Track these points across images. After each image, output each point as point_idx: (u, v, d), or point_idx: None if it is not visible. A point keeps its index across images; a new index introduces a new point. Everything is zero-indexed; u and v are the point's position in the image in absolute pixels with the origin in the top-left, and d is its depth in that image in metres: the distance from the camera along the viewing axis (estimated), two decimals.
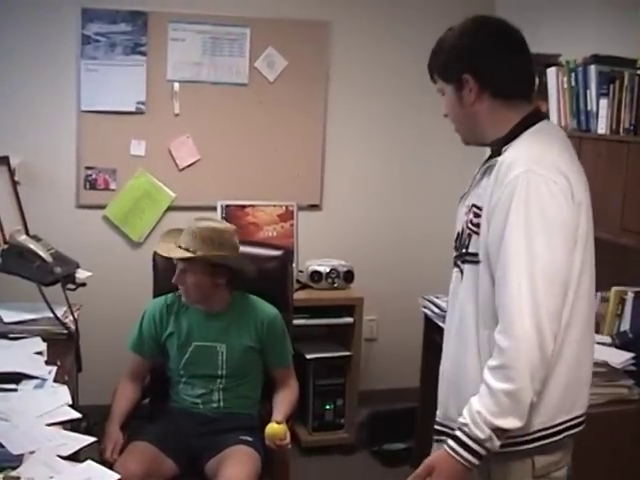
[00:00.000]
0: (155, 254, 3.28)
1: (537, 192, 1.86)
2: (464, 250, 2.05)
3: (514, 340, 1.83)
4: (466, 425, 1.87)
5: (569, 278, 1.91)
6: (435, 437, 2.16)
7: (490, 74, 2.02)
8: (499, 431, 1.85)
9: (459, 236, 2.11)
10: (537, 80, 3.29)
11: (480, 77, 2.01)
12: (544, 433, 1.97)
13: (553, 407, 1.96)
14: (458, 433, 1.89)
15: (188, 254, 2.97)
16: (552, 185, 1.88)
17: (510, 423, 1.85)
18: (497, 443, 1.86)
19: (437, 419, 2.16)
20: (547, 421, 1.97)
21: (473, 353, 1.99)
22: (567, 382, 1.97)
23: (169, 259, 3.07)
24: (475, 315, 2.00)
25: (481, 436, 1.85)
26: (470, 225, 2.03)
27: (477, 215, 2.00)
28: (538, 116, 2.08)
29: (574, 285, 1.94)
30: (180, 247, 2.99)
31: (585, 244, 1.97)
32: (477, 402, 1.87)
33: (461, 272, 2.07)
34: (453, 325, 2.10)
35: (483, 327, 1.97)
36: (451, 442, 1.90)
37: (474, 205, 2.03)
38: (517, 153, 1.94)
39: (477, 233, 1.99)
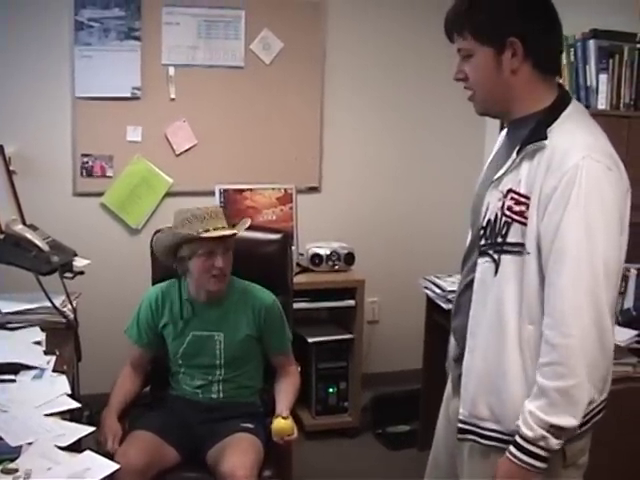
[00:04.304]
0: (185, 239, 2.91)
1: (597, 182, 1.78)
2: (500, 239, 1.90)
3: (569, 337, 1.76)
4: (518, 426, 1.82)
5: (620, 267, 1.85)
6: (459, 436, 2.04)
7: (537, 42, 1.88)
8: (555, 429, 1.79)
9: (490, 223, 1.94)
10: None
11: (528, 43, 1.87)
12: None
13: None
14: (516, 437, 1.84)
15: (233, 230, 2.96)
16: (609, 173, 1.80)
17: (565, 421, 1.78)
18: (554, 441, 1.80)
19: (461, 417, 2.02)
20: None
21: (514, 349, 1.88)
22: None
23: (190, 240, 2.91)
24: (517, 309, 1.87)
25: (530, 435, 1.80)
26: (508, 212, 1.88)
27: (519, 202, 1.86)
28: (569, 95, 1.99)
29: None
30: (217, 228, 2.91)
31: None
32: (529, 402, 1.82)
33: (494, 262, 1.91)
34: (484, 319, 1.95)
35: (527, 322, 1.86)
36: (511, 447, 1.85)
37: (512, 190, 1.88)
38: (569, 138, 1.83)
39: (520, 222, 1.86)
